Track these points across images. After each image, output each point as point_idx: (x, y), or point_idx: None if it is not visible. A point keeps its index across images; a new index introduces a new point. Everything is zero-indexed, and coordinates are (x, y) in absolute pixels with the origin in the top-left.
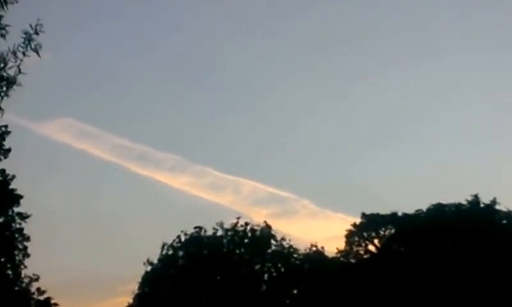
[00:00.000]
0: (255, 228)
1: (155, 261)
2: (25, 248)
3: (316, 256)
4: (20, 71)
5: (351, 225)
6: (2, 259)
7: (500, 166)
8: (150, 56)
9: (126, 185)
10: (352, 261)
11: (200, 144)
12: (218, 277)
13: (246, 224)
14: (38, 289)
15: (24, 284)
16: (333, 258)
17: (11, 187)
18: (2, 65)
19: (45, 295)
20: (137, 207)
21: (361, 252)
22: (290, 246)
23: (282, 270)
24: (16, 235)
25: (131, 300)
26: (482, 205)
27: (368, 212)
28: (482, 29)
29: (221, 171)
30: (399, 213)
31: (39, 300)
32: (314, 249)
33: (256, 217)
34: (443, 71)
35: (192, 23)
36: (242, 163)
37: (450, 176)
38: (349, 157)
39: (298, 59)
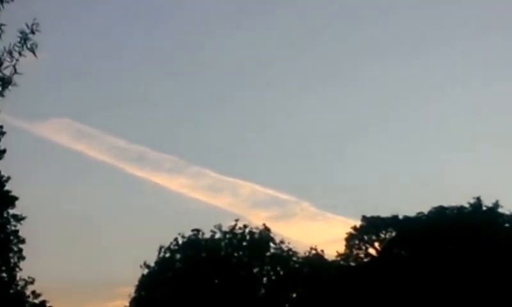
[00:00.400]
0: (254, 230)
1: (152, 264)
2: (21, 250)
3: (315, 260)
4: (15, 71)
5: (351, 228)
6: None
7: (502, 169)
8: (147, 57)
9: (123, 186)
10: (353, 264)
11: (197, 145)
12: (216, 281)
13: (245, 226)
14: (33, 292)
15: (19, 287)
16: (333, 262)
17: (6, 188)
18: None
19: (41, 298)
20: (134, 209)
21: (362, 255)
22: (290, 249)
23: (281, 273)
24: (12, 237)
25: (127, 304)
26: (484, 208)
27: (368, 214)
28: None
29: (219, 173)
30: (400, 216)
31: (34, 303)
32: (314, 252)
33: (255, 220)
34: (445, 71)
35: (191, 23)
36: (240, 165)
37: (452, 179)
38: (350, 158)
39: (299, 58)
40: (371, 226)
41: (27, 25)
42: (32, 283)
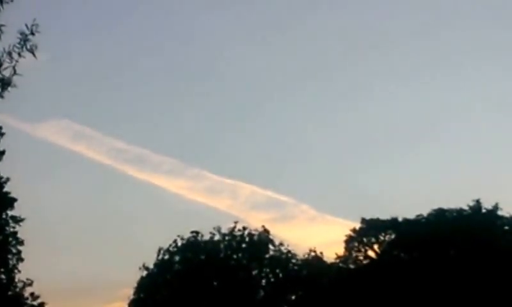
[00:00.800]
0: (253, 232)
1: (151, 266)
2: (19, 252)
3: (315, 262)
4: (15, 73)
5: (351, 230)
6: None
7: (502, 171)
8: (148, 59)
9: (122, 188)
10: (352, 267)
11: (197, 147)
12: (215, 283)
13: (244, 228)
14: (32, 294)
15: (17, 289)
16: (332, 264)
17: (5, 189)
18: None
19: (39, 300)
20: (133, 211)
21: (361, 258)
22: (289, 251)
23: (280, 275)
24: (10, 239)
25: (126, 306)
26: (484, 211)
27: (368, 216)
28: (484, 36)
29: (219, 175)
30: (400, 219)
31: (33, 305)
32: (313, 254)
33: (254, 222)
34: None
35: (191, 27)
36: (239, 166)
37: (452, 181)
38: (349, 161)
39: (298, 64)
40: (370, 229)
41: (26, 26)
42: (30, 284)
